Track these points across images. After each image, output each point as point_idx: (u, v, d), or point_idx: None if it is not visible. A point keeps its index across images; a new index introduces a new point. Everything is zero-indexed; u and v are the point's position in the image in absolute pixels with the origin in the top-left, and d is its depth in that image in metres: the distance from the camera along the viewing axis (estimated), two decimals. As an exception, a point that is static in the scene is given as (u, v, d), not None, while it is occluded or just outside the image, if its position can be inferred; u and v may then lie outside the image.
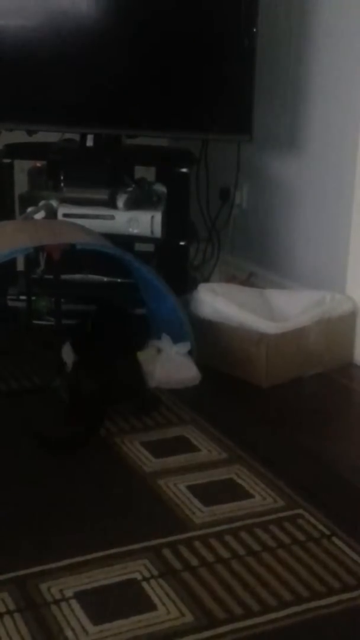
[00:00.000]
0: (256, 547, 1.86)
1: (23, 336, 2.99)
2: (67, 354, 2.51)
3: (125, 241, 2.96)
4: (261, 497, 2.07)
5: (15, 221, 3.07)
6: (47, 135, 3.29)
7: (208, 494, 2.07)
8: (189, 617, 1.64)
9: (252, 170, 3.39)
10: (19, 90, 3.08)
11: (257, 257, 3.46)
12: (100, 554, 1.81)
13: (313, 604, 1.69)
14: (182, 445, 2.32)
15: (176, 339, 2.70)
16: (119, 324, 2.57)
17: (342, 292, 2.94)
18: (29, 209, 3.05)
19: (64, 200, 3.08)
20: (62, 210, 3.04)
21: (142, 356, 2.64)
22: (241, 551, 1.85)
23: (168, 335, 2.70)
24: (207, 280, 3.40)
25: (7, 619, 1.62)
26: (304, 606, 1.68)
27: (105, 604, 1.67)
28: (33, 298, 3.00)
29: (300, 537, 1.90)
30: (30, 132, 3.24)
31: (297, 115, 3.18)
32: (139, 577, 1.75)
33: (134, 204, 3.09)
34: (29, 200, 3.13)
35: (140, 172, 3.28)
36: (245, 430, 2.41)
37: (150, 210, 3.08)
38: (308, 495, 2.06)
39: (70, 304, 2.90)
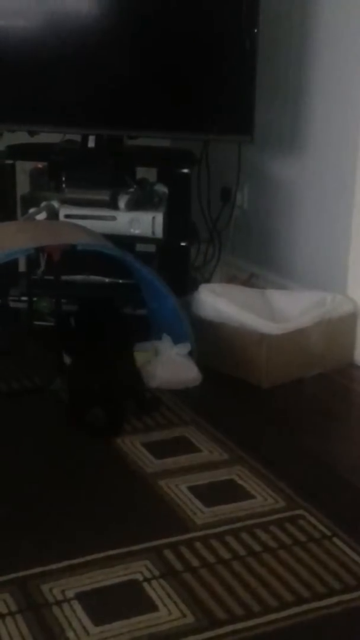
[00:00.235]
0: (257, 547, 1.87)
1: (24, 337, 2.99)
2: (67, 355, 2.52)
3: (126, 242, 2.97)
4: (262, 497, 2.07)
5: (16, 222, 3.08)
6: (49, 137, 3.29)
7: (209, 494, 2.08)
8: (190, 618, 1.64)
9: (253, 171, 3.40)
10: (20, 91, 3.09)
11: (258, 258, 3.46)
12: (102, 554, 1.82)
13: (314, 604, 1.69)
14: (183, 446, 2.32)
15: (177, 339, 2.70)
16: (109, 321, 2.57)
17: (342, 293, 2.94)
18: (31, 210, 3.06)
19: (66, 201, 3.08)
20: (63, 211, 3.05)
21: (142, 357, 2.65)
22: (242, 552, 1.85)
23: (169, 336, 2.71)
24: (208, 280, 3.40)
25: (8, 620, 1.62)
26: (305, 607, 1.68)
27: (106, 605, 1.67)
28: (34, 299, 3.00)
29: (301, 537, 1.91)
30: (31, 133, 3.25)
31: (298, 116, 3.18)
32: (140, 578, 1.75)
33: (135, 205, 3.09)
34: (31, 201, 3.13)
35: (141, 172, 3.28)
36: (246, 431, 2.41)
37: (151, 211, 3.09)
38: (309, 496, 2.06)
39: (71, 305, 2.90)
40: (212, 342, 2.76)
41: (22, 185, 3.24)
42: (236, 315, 2.76)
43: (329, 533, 1.92)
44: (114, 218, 3.06)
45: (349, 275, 2.98)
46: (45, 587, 1.71)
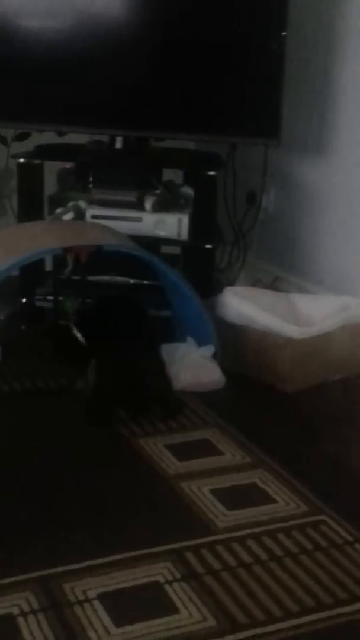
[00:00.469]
0: (279, 552, 1.86)
1: (49, 336, 3.00)
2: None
3: (151, 243, 2.98)
4: (284, 502, 2.07)
5: (43, 222, 3.09)
6: (77, 137, 3.31)
7: (231, 498, 2.08)
8: (211, 621, 1.64)
9: (279, 174, 3.39)
10: (49, 92, 3.11)
11: (283, 261, 3.46)
12: (123, 555, 1.82)
13: (335, 610, 1.69)
14: (206, 448, 2.33)
15: (201, 342, 2.70)
16: (133, 318, 2.59)
17: (367, 298, 2.93)
18: (58, 210, 3.07)
19: (93, 202, 3.10)
20: (90, 212, 3.06)
21: (166, 359, 2.66)
22: (263, 556, 1.85)
23: (193, 338, 2.71)
24: (232, 283, 3.41)
25: (30, 618, 1.63)
26: (326, 613, 1.68)
27: (127, 606, 1.67)
28: (60, 298, 3.02)
29: (323, 543, 1.90)
30: (60, 134, 3.27)
31: (325, 119, 3.18)
32: (162, 580, 1.76)
33: (161, 207, 3.10)
34: (58, 201, 3.15)
35: (168, 174, 3.29)
36: (269, 435, 2.41)
37: (177, 212, 3.10)
38: (331, 501, 2.06)
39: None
40: (235, 345, 2.76)
41: (50, 186, 3.26)
42: (260, 319, 2.75)
43: (350, 539, 1.92)
44: (139, 219, 3.07)
45: (374, 280, 2.97)
46: (67, 587, 1.72)
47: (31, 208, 3.18)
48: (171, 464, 2.23)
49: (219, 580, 1.76)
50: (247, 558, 1.84)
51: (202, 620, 1.64)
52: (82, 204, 3.09)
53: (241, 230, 3.52)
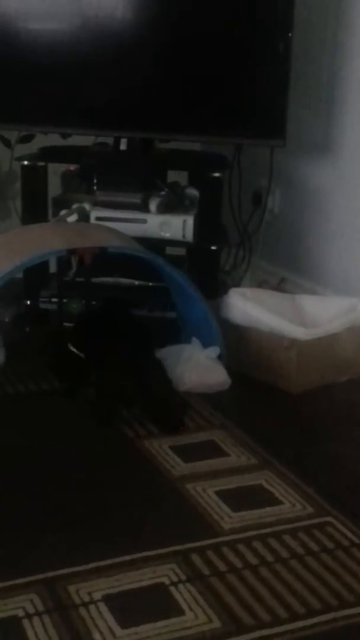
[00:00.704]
0: (285, 554, 1.86)
1: (54, 338, 3.00)
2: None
3: (156, 245, 2.97)
4: (290, 503, 2.06)
5: (48, 224, 3.09)
6: (81, 139, 3.31)
7: (237, 499, 2.07)
8: (216, 623, 1.64)
9: (284, 175, 3.39)
10: (53, 93, 3.10)
11: (288, 263, 3.45)
12: (129, 557, 1.82)
13: (341, 612, 1.68)
14: (211, 450, 2.32)
15: (206, 343, 2.70)
16: (125, 319, 2.59)
17: (373, 299, 2.93)
18: (62, 212, 3.07)
19: (97, 204, 3.09)
20: (94, 214, 3.06)
21: (172, 360, 2.65)
22: (269, 558, 1.84)
23: (198, 339, 2.71)
24: (238, 285, 3.40)
25: (35, 620, 1.63)
26: (332, 614, 1.67)
27: (133, 608, 1.67)
28: (64, 300, 3.01)
29: (329, 544, 1.89)
30: (64, 136, 3.26)
31: (330, 120, 3.17)
32: (167, 582, 1.75)
33: (166, 208, 3.10)
34: (62, 203, 3.14)
35: (172, 176, 3.29)
36: (274, 436, 2.40)
37: (182, 214, 3.09)
38: (337, 503, 2.05)
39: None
40: (241, 347, 2.75)
41: (54, 187, 3.26)
42: (266, 320, 2.75)
43: (357, 540, 1.91)
44: (144, 221, 3.06)
45: (380, 281, 2.96)
46: (72, 588, 1.72)
47: (35, 210, 3.18)
48: (176, 465, 2.23)
49: (225, 582, 1.75)
50: (252, 559, 1.83)
51: (208, 621, 1.64)
52: (86, 205, 3.08)
53: (246, 232, 3.51)
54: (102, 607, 1.67)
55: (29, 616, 1.64)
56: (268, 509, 2.03)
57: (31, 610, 1.65)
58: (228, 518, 1.99)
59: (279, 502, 2.06)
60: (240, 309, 2.82)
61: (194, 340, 2.71)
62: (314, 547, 1.88)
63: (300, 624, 1.64)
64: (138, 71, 3.08)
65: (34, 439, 2.34)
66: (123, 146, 3.18)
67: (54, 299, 3.08)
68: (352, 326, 2.79)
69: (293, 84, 3.01)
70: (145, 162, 3.18)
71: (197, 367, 2.65)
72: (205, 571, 1.79)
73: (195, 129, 3.14)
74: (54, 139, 3.37)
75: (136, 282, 3.16)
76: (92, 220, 3.05)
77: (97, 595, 1.70)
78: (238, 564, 1.82)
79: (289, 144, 3.07)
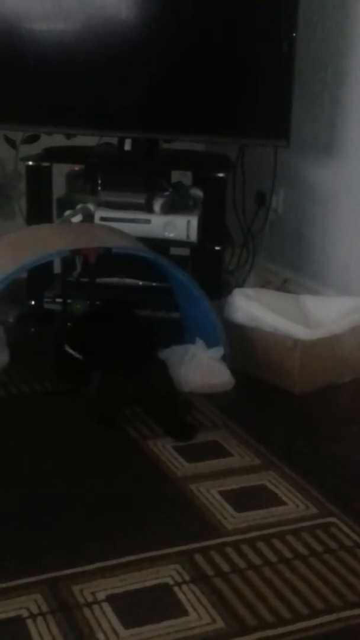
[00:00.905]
0: (288, 554, 1.86)
1: (58, 338, 3.01)
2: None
3: (160, 245, 2.98)
4: (294, 504, 2.06)
5: (52, 224, 3.10)
6: (86, 139, 3.31)
7: (240, 499, 2.07)
8: (220, 623, 1.64)
9: (288, 175, 3.39)
10: (58, 94, 3.11)
11: (292, 263, 3.45)
12: (132, 557, 1.82)
13: (345, 613, 1.68)
14: (215, 450, 2.32)
15: (210, 343, 2.70)
16: (126, 319, 2.59)
17: (377, 299, 2.93)
18: (67, 212, 3.08)
19: (101, 204, 3.10)
20: (99, 214, 3.06)
21: (175, 360, 2.65)
22: (273, 558, 1.84)
23: (202, 339, 2.71)
24: (241, 285, 3.40)
25: (39, 621, 1.63)
26: (336, 615, 1.67)
27: (136, 608, 1.67)
28: (68, 301, 3.02)
29: (333, 545, 1.89)
30: (68, 136, 3.27)
31: (335, 120, 3.17)
32: (171, 582, 1.75)
33: (170, 208, 3.10)
34: (67, 203, 3.15)
35: (176, 176, 3.29)
36: (278, 437, 2.41)
37: (186, 214, 3.09)
38: (341, 503, 2.05)
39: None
40: (245, 347, 2.76)
41: (59, 188, 3.27)
42: (270, 320, 2.75)
43: (360, 541, 1.91)
44: (148, 221, 3.07)
45: (384, 282, 2.96)
46: (76, 589, 1.72)
47: (40, 211, 3.18)
48: (180, 466, 2.23)
49: (228, 582, 1.76)
50: (256, 560, 1.83)
51: (211, 622, 1.64)
52: (91, 206, 3.09)
53: (250, 232, 3.52)
54: (106, 607, 1.67)
55: (32, 616, 1.64)
56: (272, 509, 2.03)
57: (35, 610, 1.66)
58: (232, 518, 1.99)
59: (283, 503, 2.06)
60: (244, 309, 2.82)
61: (198, 340, 2.71)
62: (318, 547, 1.89)
63: (304, 624, 1.65)
64: (142, 71, 3.08)
65: (36, 439, 2.35)
66: (127, 147, 3.19)
67: (58, 300, 3.08)
68: (355, 326, 2.79)
69: (297, 84, 3.01)
70: (149, 163, 3.18)
71: (200, 367, 2.65)
72: (209, 571, 1.79)
73: (200, 129, 3.14)
74: (58, 140, 3.37)
75: (140, 283, 3.17)
76: (97, 220, 3.06)
77: (100, 596, 1.70)
78: (242, 564, 1.82)
79: (293, 144, 3.08)
